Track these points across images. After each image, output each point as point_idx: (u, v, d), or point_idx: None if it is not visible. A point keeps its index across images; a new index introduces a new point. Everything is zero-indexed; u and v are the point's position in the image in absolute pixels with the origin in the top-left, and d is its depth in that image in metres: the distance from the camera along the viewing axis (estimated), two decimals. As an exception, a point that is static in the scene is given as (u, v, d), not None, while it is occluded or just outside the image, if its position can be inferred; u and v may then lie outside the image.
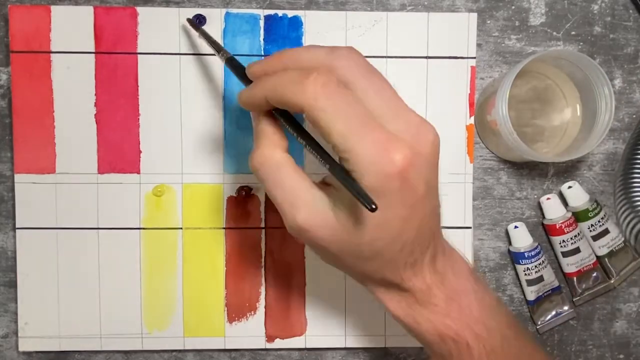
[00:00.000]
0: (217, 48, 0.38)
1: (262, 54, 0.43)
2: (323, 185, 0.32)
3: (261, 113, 0.32)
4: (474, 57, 0.43)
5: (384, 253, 0.31)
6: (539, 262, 0.43)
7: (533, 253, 0.43)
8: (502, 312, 0.35)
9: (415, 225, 0.31)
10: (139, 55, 0.42)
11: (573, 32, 0.44)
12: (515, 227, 0.44)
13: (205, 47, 0.42)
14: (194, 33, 0.42)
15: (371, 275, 0.33)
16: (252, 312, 0.44)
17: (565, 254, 0.44)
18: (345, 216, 0.30)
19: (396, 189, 0.29)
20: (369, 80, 0.30)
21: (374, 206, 0.27)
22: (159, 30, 0.42)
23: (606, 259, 0.45)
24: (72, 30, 0.42)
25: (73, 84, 0.42)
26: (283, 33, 0.43)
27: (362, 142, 0.28)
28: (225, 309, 0.44)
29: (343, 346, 0.44)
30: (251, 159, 0.31)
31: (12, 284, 0.43)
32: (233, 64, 0.36)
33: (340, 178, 0.29)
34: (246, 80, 0.33)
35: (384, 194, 0.29)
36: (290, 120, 0.32)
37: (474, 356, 0.33)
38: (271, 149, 0.31)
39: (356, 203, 0.29)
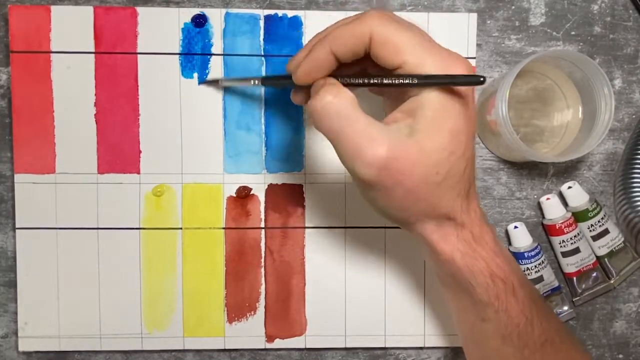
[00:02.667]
0: (247, 79, 0.40)
1: (262, 54, 0.43)
2: (388, 122, 0.32)
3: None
4: (474, 57, 0.43)
5: (453, 172, 0.31)
6: (538, 262, 0.43)
7: (533, 253, 0.43)
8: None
9: (472, 144, 0.32)
10: (139, 55, 0.42)
11: (573, 32, 0.44)
12: (515, 227, 0.44)
13: (206, 47, 0.42)
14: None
15: (437, 206, 0.32)
16: (252, 312, 0.44)
17: (565, 254, 0.44)
18: (423, 137, 0.30)
19: (460, 100, 0.31)
20: (405, 21, 0.32)
21: (482, 78, 0.29)
22: (159, 30, 0.42)
23: (606, 259, 0.45)
24: (72, 30, 0.42)
25: (73, 84, 0.42)
26: (283, 33, 0.43)
27: (431, 52, 0.30)
28: (225, 309, 0.44)
29: (343, 346, 0.44)
30: (316, 101, 0.31)
31: (12, 284, 0.43)
32: (270, 79, 0.39)
33: (435, 79, 0.30)
34: (290, 81, 0.34)
35: (453, 104, 0.30)
36: (349, 76, 0.32)
37: (518, 300, 0.34)
38: (339, 87, 0.31)
39: (432, 120, 0.30)
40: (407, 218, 0.33)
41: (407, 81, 0.30)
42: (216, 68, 0.43)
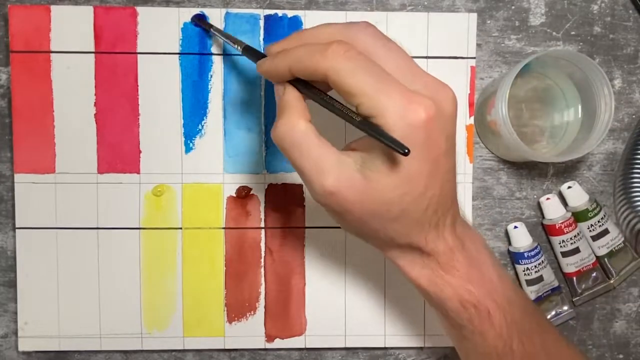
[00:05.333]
0: (233, 40, 0.39)
1: (262, 53, 0.43)
2: (347, 151, 0.33)
3: (283, 84, 0.33)
4: (474, 57, 0.43)
5: (410, 211, 0.31)
6: (538, 262, 0.43)
7: (533, 253, 0.43)
8: (518, 287, 0.36)
9: (439, 183, 0.32)
10: (138, 55, 0.42)
11: (573, 32, 0.44)
12: (515, 227, 0.44)
13: (206, 47, 0.42)
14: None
15: (395, 238, 0.33)
16: (252, 312, 0.44)
17: (565, 254, 0.44)
18: (373, 175, 0.31)
19: (422, 141, 0.30)
20: (386, 48, 0.31)
21: (406, 150, 0.28)
22: (159, 30, 0.42)
23: (606, 259, 0.45)
24: (72, 30, 0.42)
25: (73, 84, 0.42)
26: (283, 33, 0.43)
27: (388, 98, 0.29)
28: (225, 308, 0.44)
29: (343, 346, 0.44)
30: (275, 129, 0.32)
31: (12, 284, 0.43)
32: (250, 51, 0.38)
33: (370, 130, 0.30)
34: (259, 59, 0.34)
35: (411, 146, 0.30)
36: (310, 87, 0.32)
37: (494, 325, 0.34)
38: (296, 118, 0.32)
39: (385, 160, 0.30)
40: (372, 243, 0.34)
41: (350, 117, 0.31)
42: (216, 68, 0.43)
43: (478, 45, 0.44)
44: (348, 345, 0.44)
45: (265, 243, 0.44)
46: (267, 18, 0.43)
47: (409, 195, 0.31)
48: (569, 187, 0.44)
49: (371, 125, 0.30)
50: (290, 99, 0.32)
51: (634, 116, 0.45)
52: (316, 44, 0.31)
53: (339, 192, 0.31)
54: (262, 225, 0.44)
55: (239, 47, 0.38)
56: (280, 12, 0.43)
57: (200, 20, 0.42)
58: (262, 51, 0.40)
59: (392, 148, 0.29)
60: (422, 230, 0.32)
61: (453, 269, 0.34)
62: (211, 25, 0.42)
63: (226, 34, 0.41)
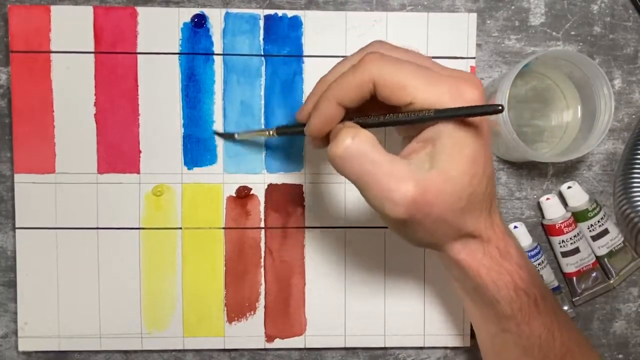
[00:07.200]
0: (263, 131, 0.41)
1: (262, 53, 0.43)
2: (410, 155, 0.32)
3: (342, 126, 0.32)
4: (474, 57, 0.43)
5: (475, 194, 0.31)
6: (538, 262, 0.43)
7: (532, 253, 0.43)
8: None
9: (489, 159, 0.32)
10: (138, 55, 0.42)
11: (573, 32, 0.44)
12: (515, 227, 0.44)
13: (206, 47, 0.42)
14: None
15: (462, 229, 0.32)
16: (252, 312, 0.44)
17: (565, 254, 0.44)
18: (445, 166, 0.30)
19: (476, 122, 0.30)
20: (406, 51, 0.32)
21: (500, 107, 0.28)
22: (158, 30, 0.42)
23: (605, 259, 0.45)
24: (71, 30, 0.42)
25: (73, 84, 0.42)
26: (283, 33, 0.43)
27: (440, 83, 0.30)
28: (225, 309, 0.44)
29: (343, 346, 0.44)
30: (338, 145, 0.30)
31: (12, 284, 0.43)
32: (284, 129, 0.39)
33: (454, 112, 0.29)
34: (301, 130, 0.35)
35: (468, 128, 0.30)
36: (365, 117, 0.32)
37: (541, 312, 0.34)
38: (357, 128, 0.31)
39: (454, 146, 0.30)
40: (436, 242, 0.33)
41: (422, 115, 0.30)
42: (216, 68, 0.43)
43: (478, 45, 0.44)
44: (348, 345, 0.44)
45: (265, 243, 0.44)
46: (267, 18, 0.43)
47: (475, 176, 0.31)
48: (569, 187, 0.44)
49: (448, 109, 0.29)
50: (347, 123, 0.32)
51: (633, 116, 0.45)
52: (349, 67, 0.31)
53: (420, 195, 0.30)
54: (262, 225, 0.44)
55: (272, 133, 0.39)
56: (280, 12, 0.43)
57: (220, 135, 0.43)
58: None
59: (487, 113, 0.28)
60: (481, 214, 0.32)
61: (509, 254, 0.34)
62: (232, 134, 0.42)
63: (253, 130, 0.42)
